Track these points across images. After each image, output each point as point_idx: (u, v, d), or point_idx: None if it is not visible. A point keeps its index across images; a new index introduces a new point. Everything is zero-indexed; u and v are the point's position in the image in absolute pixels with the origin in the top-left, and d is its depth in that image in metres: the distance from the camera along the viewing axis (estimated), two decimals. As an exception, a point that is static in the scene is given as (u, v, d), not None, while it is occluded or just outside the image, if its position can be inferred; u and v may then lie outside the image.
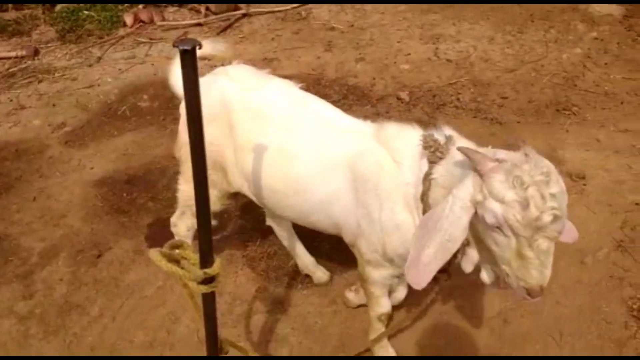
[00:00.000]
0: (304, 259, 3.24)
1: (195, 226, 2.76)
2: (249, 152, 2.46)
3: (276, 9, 6.64)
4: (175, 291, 3.23)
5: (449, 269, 2.17)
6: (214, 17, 6.55)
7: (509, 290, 1.89)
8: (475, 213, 1.79)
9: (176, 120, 4.78)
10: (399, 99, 4.91)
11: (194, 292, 1.94)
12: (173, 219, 3.04)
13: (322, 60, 5.60)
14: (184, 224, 3.00)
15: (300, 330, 3.01)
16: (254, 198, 2.66)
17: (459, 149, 1.87)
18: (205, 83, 2.58)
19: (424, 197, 2.03)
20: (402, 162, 2.13)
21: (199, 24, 6.46)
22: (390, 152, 2.17)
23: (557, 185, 1.70)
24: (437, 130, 2.14)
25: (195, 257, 1.86)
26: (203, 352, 2.75)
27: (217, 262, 1.84)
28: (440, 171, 2.00)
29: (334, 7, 6.65)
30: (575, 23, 6.04)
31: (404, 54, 5.61)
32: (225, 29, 6.28)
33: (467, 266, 2.09)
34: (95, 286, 3.27)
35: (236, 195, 2.86)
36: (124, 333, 3.02)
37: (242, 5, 6.62)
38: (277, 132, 2.41)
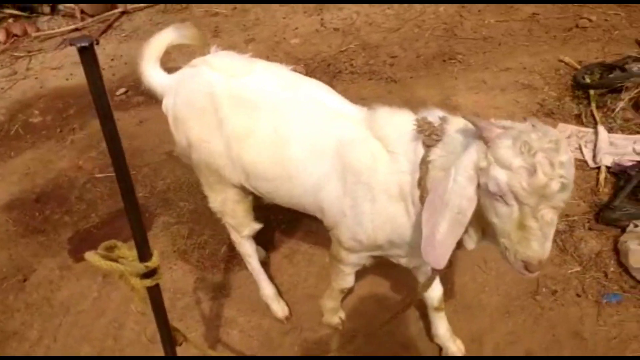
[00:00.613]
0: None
1: (250, 231, 2.82)
2: (242, 141, 2.37)
3: (154, 3, 6.49)
4: (113, 299, 3.20)
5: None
6: (91, 19, 6.33)
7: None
8: (478, 184, 1.74)
9: (73, 130, 4.68)
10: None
11: (139, 287, 1.97)
12: (232, 238, 2.90)
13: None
14: (236, 237, 2.86)
15: (247, 309, 3.08)
16: (254, 190, 2.55)
17: (465, 117, 1.83)
18: (187, 76, 2.48)
19: (422, 182, 1.94)
20: (396, 150, 2.04)
21: (76, 29, 6.22)
22: (383, 141, 2.08)
23: (566, 154, 1.64)
24: (429, 113, 2.05)
25: (131, 253, 1.87)
26: (153, 352, 2.84)
27: (155, 254, 1.86)
28: (438, 153, 1.92)
29: (214, -8, 6.61)
30: (446, -23, 6.37)
31: (291, 29, 5.70)
32: (106, 30, 6.09)
33: (469, 243, 1.97)
34: (28, 310, 3.17)
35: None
36: (68, 350, 2.97)
37: (119, 4, 6.42)
38: (269, 117, 2.31)
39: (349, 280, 2.64)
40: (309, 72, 4.94)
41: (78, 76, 5.36)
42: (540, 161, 1.60)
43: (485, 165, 1.69)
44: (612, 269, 2.99)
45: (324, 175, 2.23)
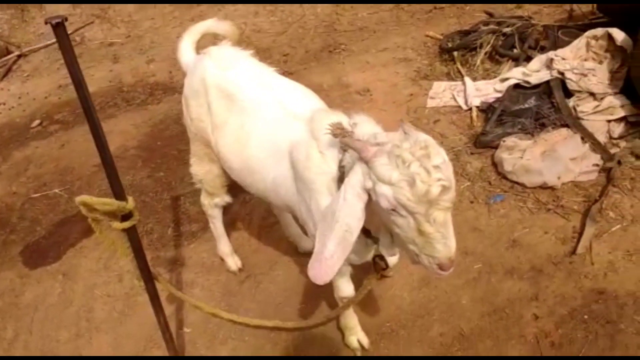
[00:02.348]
0: (291, 229, 3.41)
1: (221, 202, 3.15)
2: (219, 130, 2.63)
3: (48, 42, 6.71)
4: (77, 290, 3.49)
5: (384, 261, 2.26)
6: (-13, 66, 6.45)
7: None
8: (371, 199, 1.84)
9: None
10: (200, 81, 5.49)
11: (119, 228, 2.35)
12: (201, 199, 3.24)
13: (115, 72, 5.92)
14: (207, 202, 3.19)
15: (203, 271, 3.49)
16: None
17: (341, 140, 1.93)
18: (196, 61, 2.85)
19: (339, 186, 1.98)
20: (325, 152, 2.12)
21: (-26, 77, 6.32)
22: (318, 142, 2.15)
23: (439, 156, 1.73)
24: (350, 117, 2.14)
25: (107, 200, 2.27)
26: (125, 324, 3.17)
27: (130, 198, 2.27)
28: (347, 159, 2.00)
29: (105, 25, 6.93)
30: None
31: (188, 45, 6.15)
32: (6, 74, 6.25)
33: (385, 252, 2.16)
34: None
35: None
36: (47, 339, 3.23)
37: (12, 48, 6.59)
38: (240, 112, 2.53)
39: (342, 288, 2.62)
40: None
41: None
42: (416, 171, 1.69)
43: (370, 185, 1.79)
44: (493, 178, 3.71)
45: (280, 175, 2.38)
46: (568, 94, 4.04)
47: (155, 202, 4.09)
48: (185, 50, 3.02)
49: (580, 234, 3.22)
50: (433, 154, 1.71)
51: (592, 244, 3.17)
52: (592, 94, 3.95)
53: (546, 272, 3.09)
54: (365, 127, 2.05)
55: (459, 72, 4.81)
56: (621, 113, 3.82)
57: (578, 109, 3.91)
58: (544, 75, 4.22)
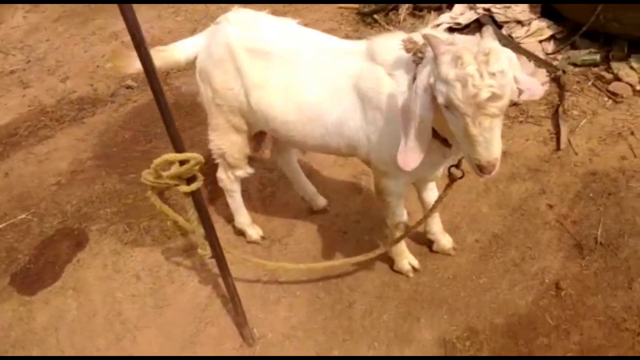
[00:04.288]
0: (307, 188, 3.49)
1: (243, 174, 3.12)
2: (260, 89, 2.60)
3: None
4: (96, 299, 3.29)
5: (461, 166, 2.39)
6: None
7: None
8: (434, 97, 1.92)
9: None
10: (128, 87, 5.32)
11: (187, 191, 2.35)
12: (218, 175, 3.19)
13: (30, 96, 5.46)
14: (226, 176, 3.15)
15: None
16: (274, 134, 2.85)
17: (422, 35, 1.98)
18: (210, 32, 2.77)
19: None
20: (395, 72, 2.22)
21: None
22: (384, 66, 2.25)
23: (497, 64, 1.77)
24: (416, 33, 2.19)
25: (188, 154, 2.26)
26: (164, 314, 3.08)
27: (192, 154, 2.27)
28: (420, 69, 2.05)
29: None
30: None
31: (99, 57, 5.91)
32: None
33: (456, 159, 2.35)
34: (16, 348, 3.12)
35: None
36: (85, 350, 3.03)
37: None
38: (282, 66, 2.53)
39: (399, 213, 2.79)
40: (139, 82, 5.28)
41: None
42: (469, 73, 1.76)
43: (432, 81, 1.90)
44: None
45: (344, 112, 2.43)
46: (497, 26, 4.49)
47: (139, 202, 3.93)
48: (181, 46, 2.91)
49: (557, 133, 3.63)
50: (492, 61, 1.76)
51: (569, 139, 3.59)
52: (519, 22, 4.43)
53: (542, 169, 3.46)
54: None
55: (388, 30, 5.12)
56: (549, 32, 4.34)
57: (512, 36, 4.37)
58: (471, 15, 4.64)
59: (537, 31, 4.33)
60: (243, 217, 3.42)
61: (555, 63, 4.13)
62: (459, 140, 1.98)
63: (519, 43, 4.29)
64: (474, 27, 4.56)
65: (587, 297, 2.77)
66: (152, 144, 4.49)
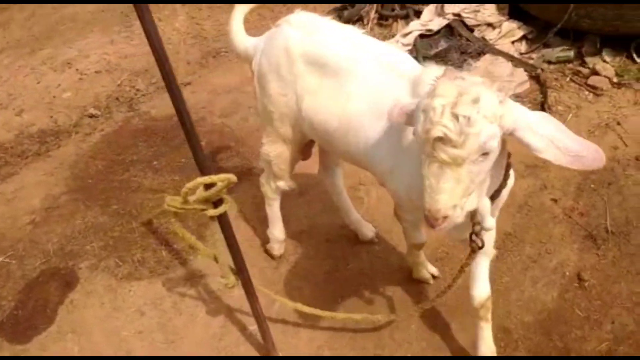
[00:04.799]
0: (350, 215, 3.31)
1: (284, 186, 3.01)
2: (311, 95, 2.50)
3: None
4: (98, 340, 3.08)
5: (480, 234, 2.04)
6: None
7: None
8: None
9: None
10: (92, 116, 5.08)
11: (214, 215, 2.21)
12: (261, 179, 3.10)
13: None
14: (269, 186, 3.07)
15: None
16: (320, 143, 2.74)
17: (444, 70, 1.81)
18: (270, 35, 2.64)
19: None
20: None
21: None
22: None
23: (466, 108, 1.58)
24: (466, 73, 1.92)
25: (222, 175, 2.14)
26: (179, 347, 2.92)
27: (221, 176, 2.14)
28: None
29: None
30: None
31: (54, 87, 5.62)
32: None
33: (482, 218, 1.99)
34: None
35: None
36: None
37: None
38: (335, 73, 2.41)
39: (417, 237, 2.70)
40: (103, 111, 5.06)
41: None
42: (433, 106, 1.61)
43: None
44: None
45: (377, 133, 2.30)
46: (469, 30, 4.57)
47: (127, 234, 3.72)
48: (241, 36, 2.86)
49: (546, 129, 3.70)
50: (462, 104, 1.58)
51: (559, 133, 3.66)
52: (489, 25, 4.53)
53: (539, 165, 3.51)
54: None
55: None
56: (520, 33, 4.45)
57: (486, 38, 4.45)
58: (441, 21, 4.70)
59: (508, 32, 4.44)
60: (278, 230, 3.29)
61: (531, 62, 4.23)
62: None
63: (494, 45, 4.37)
64: (445, 31, 4.62)
65: (610, 286, 2.81)
66: (129, 173, 4.28)
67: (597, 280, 2.84)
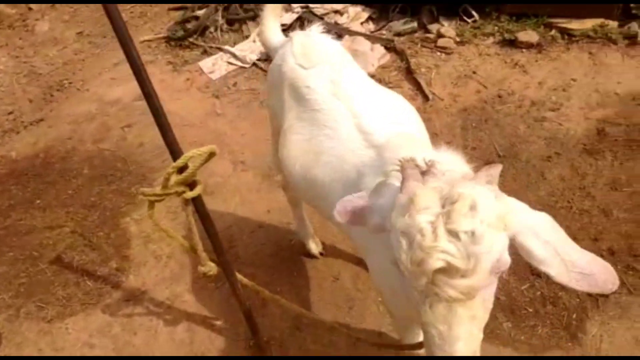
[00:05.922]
0: (305, 229, 3.16)
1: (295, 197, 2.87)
2: (285, 134, 2.20)
3: None
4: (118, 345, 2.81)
5: None
6: None
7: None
8: None
9: None
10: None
11: (189, 197, 2.20)
12: (283, 184, 2.99)
13: None
14: (288, 194, 3.00)
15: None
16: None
17: (399, 160, 1.42)
18: (283, 44, 2.42)
19: None
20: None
21: None
22: (386, 178, 1.68)
23: (465, 220, 1.16)
24: (433, 151, 1.71)
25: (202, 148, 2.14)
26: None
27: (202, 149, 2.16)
28: None
29: None
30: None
31: None
32: None
33: None
34: None
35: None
36: None
37: None
38: (310, 121, 2.11)
39: (410, 338, 2.20)
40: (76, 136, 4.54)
41: None
42: (419, 226, 1.18)
43: (388, 227, 1.31)
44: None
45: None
46: (319, 18, 4.92)
47: (38, 276, 3.40)
48: (273, 32, 2.60)
49: (418, 89, 4.18)
50: (457, 214, 1.16)
51: (431, 90, 4.14)
52: (337, 11, 4.92)
53: (424, 119, 3.90)
54: (447, 165, 1.45)
55: (215, 47, 5.18)
56: (365, 15, 4.91)
57: (339, 23, 4.83)
58: (291, 16, 4.99)
59: (355, 16, 4.86)
60: (303, 229, 3.19)
61: (384, 37, 4.69)
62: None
63: (348, 28, 4.76)
64: (298, 24, 4.91)
65: (519, 198, 3.26)
66: (12, 218, 3.90)
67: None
